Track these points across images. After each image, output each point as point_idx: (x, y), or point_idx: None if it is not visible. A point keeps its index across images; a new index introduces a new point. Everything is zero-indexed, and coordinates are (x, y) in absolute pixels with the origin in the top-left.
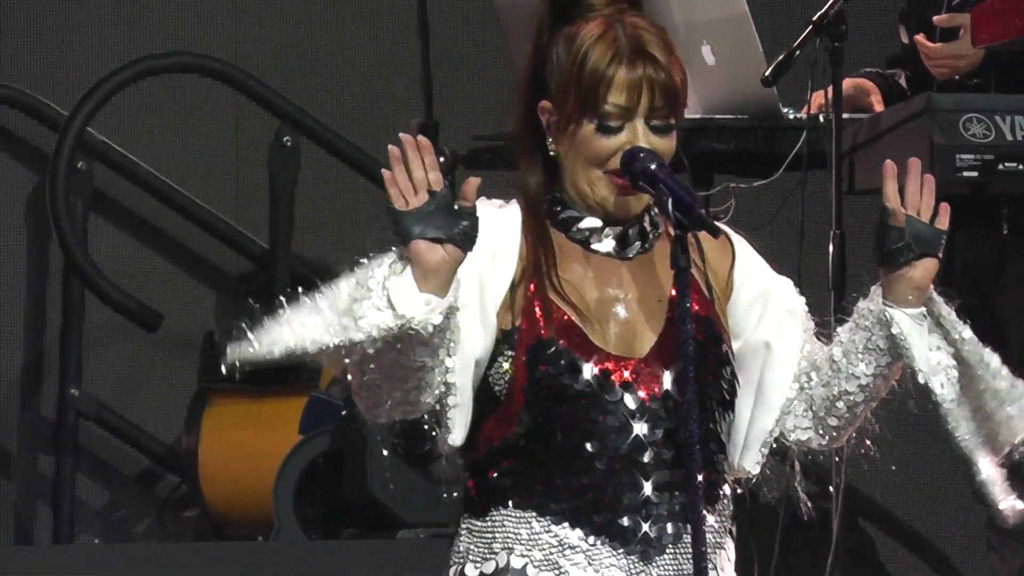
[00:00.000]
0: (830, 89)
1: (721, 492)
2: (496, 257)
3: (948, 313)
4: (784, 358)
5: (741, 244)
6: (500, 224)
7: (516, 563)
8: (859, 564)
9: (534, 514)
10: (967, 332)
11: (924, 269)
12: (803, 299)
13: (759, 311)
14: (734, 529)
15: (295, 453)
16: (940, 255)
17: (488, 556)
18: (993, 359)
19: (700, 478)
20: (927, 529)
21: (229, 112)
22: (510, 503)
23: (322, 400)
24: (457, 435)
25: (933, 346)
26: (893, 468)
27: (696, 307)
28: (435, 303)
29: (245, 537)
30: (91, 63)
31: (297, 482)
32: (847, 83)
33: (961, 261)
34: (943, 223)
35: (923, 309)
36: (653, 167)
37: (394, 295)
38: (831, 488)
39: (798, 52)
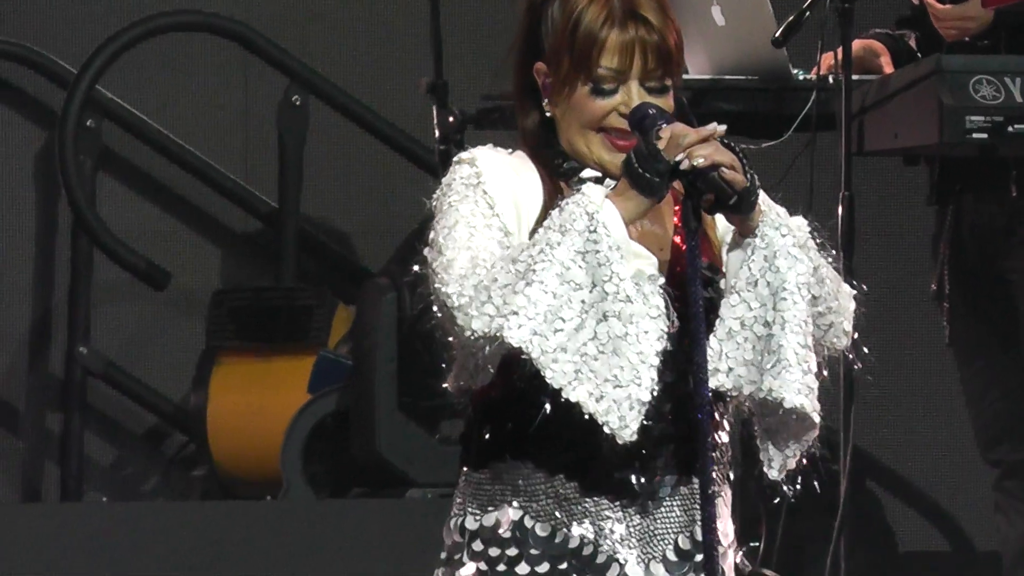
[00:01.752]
0: (839, 50)
1: (719, 439)
2: (519, 205)
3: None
4: None
5: None
6: (521, 171)
7: (514, 515)
8: (866, 525)
9: (532, 466)
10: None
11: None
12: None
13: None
14: (731, 475)
15: (303, 412)
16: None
17: (487, 508)
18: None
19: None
20: (934, 491)
21: (238, 71)
22: (507, 456)
23: (330, 359)
24: (488, 374)
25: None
26: (900, 430)
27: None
28: None
29: (253, 496)
30: (100, 21)
31: (305, 441)
32: (856, 44)
33: (969, 224)
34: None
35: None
36: (663, 123)
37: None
38: (840, 450)
39: (808, 13)
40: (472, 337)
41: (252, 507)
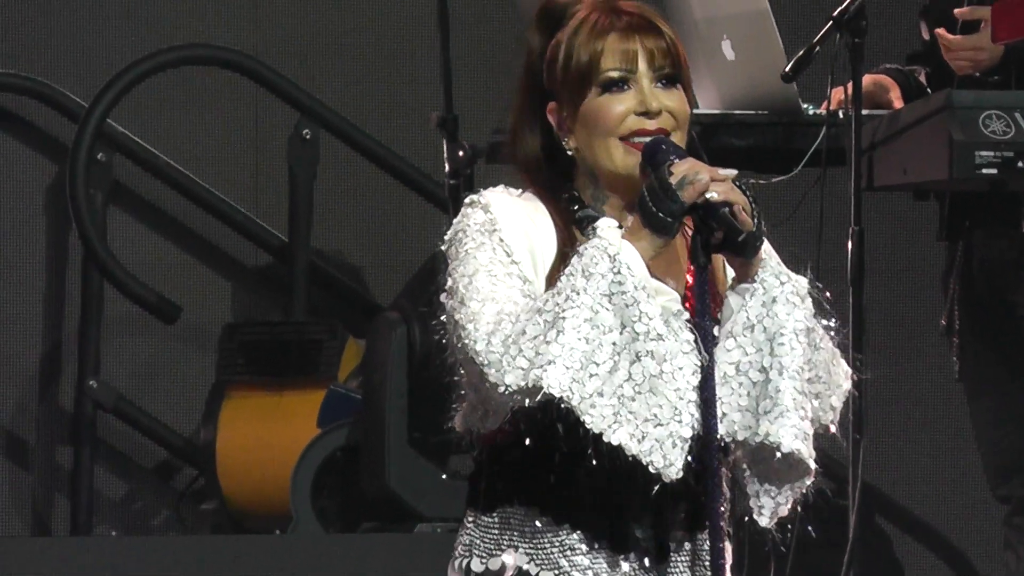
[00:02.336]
0: (849, 85)
1: (725, 490)
2: (535, 252)
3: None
4: None
5: None
6: (534, 217)
7: (520, 561)
8: (875, 561)
9: (539, 513)
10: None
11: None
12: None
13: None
14: (731, 531)
15: (313, 446)
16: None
17: (494, 552)
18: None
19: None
20: (943, 526)
21: (249, 105)
22: (515, 500)
23: (340, 393)
24: (498, 419)
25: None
26: (910, 465)
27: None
28: None
29: (262, 530)
30: (111, 54)
31: (315, 475)
32: (866, 79)
33: (979, 258)
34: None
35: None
36: (675, 158)
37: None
38: (848, 484)
39: (818, 48)
40: (506, 392)
41: (262, 541)
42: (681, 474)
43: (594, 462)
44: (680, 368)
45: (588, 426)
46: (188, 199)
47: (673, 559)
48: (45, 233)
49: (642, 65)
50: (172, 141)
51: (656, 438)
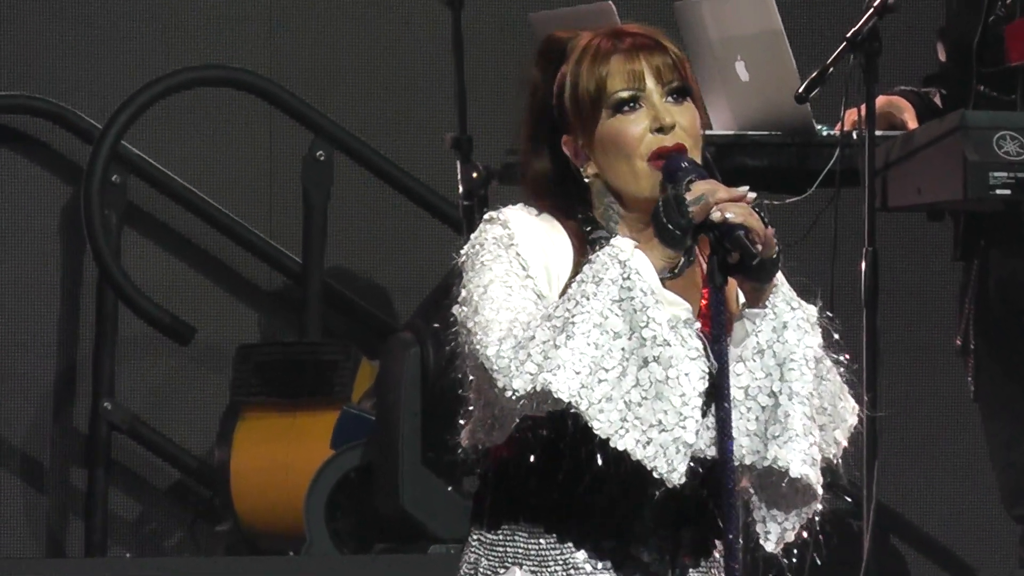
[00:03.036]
0: (863, 106)
1: (712, 546)
2: (550, 269)
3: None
4: None
5: None
6: (551, 235)
7: None
8: None
9: (543, 531)
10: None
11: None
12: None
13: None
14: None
15: (327, 467)
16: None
17: (498, 570)
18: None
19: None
20: (958, 547)
21: (263, 126)
22: (520, 518)
23: (354, 414)
24: (505, 433)
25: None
26: (924, 485)
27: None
28: None
29: (277, 551)
30: (126, 76)
31: (329, 496)
32: (881, 100)
33: (995, 278)
34: None
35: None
36: (695, 177)
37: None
38: (863, 506)
39: (832, 69)
40: (514, 397)
41: (276, 562)
42: (684, 480)
43: (599, 463)
44: (686, 374)
45: (596, 431)
46: (202, 220)
47: None
48: (60, 254)
49: (650, 82)
50: (186, 162)
51: (661, 444)
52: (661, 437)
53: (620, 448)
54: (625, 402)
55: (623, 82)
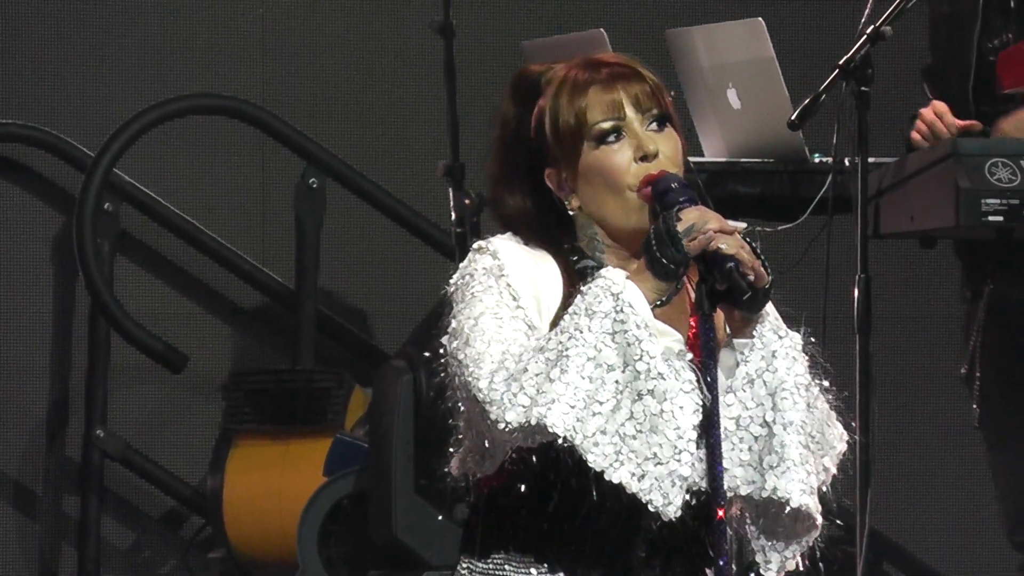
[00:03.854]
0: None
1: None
2: (540, 299)
3: None
4: None
5: None
6: (541, 265)
7: None
8: None
9: (534, 560)
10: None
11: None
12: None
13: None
14: None
15: (320, 495)
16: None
17: None
18: None
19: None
20: (954, 574)
21: (255, 153)
22: (511, 547)
23: (347, 442)
24: (495, 463)
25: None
26: (917, 511)
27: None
28: None
29: None
30: (118, 104)
31: (322, 523)
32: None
33: (1001, 306)
34: None
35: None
36: (686, 201)
37: None
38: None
39: (824, 96)
40: (507, 429)
41: None
42: (680, 513)
43: (595, 497)
44: (681, 407)
45: (590, 464)
46: (195, 248)
47: None
48: (52, 282)
49: (630, 111)
50: (179, 190)
51: (656, 476)
52: (656, 470)
53: (615, 481)
54: (620, 435)
55: (603, 113)
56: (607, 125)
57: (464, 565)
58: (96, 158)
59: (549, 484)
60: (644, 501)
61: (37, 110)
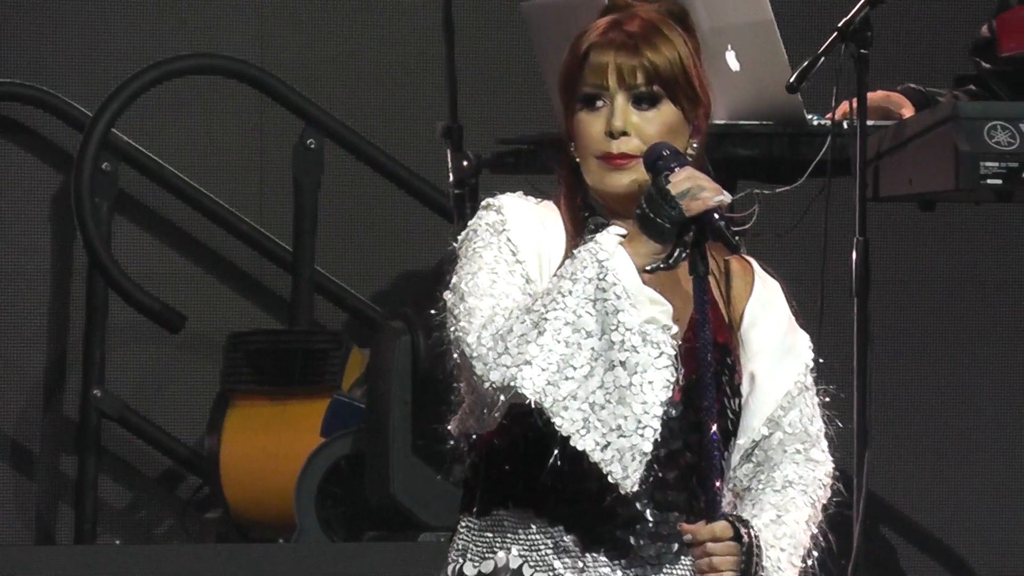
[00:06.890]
0: (855, 99)
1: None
2: (542, 255)
3: None
4: (762, 397)
5: (763, 285)
6: (547, 222)
7: (513, 563)
8: (880, 571)
9: (533, 515)
10: None
11: None
12: (811, 355)
13: (757, 346)
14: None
15: (317, 455)
16: None
17: (487, 555)
18: None
19: (716, 486)
20: (949, 537)
21: (253, 114)
22: (510, 503)
23: (344, 402)
24: (495, 420)
25: None
26: (914, 474)
27: (716, 334)
28: None
29: (267, 539)
30: (116, 64)
31: (319, 484)
32: (879, 95)
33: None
34: None
35: None
36: (676, 166)
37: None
38: (853, 494)
39: (823, 58)
40: (491, 388)
41: (266, 550)
42: (637, 488)
43: (558, 462)
44: (650, 382)
45: (558, 428)
46: (193, 209)
47: (668, 570)
48: (50, 242)
49: (612, 82)
50: (177, 151)
51: (618, 448)
52: (619, 442)
53: (580, 448)
54: (589, 403)
55: (590, 77)
56: (589, 90)
57: (463, 523)
58: (94, 118)
59: (549, 440)
60: (605, 472)
61: (35, 70)
